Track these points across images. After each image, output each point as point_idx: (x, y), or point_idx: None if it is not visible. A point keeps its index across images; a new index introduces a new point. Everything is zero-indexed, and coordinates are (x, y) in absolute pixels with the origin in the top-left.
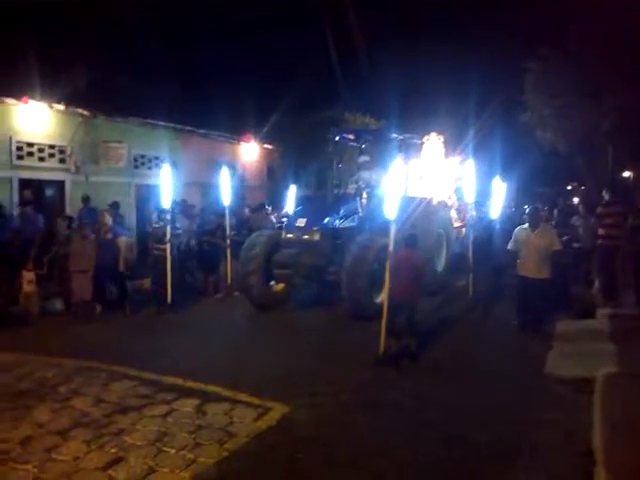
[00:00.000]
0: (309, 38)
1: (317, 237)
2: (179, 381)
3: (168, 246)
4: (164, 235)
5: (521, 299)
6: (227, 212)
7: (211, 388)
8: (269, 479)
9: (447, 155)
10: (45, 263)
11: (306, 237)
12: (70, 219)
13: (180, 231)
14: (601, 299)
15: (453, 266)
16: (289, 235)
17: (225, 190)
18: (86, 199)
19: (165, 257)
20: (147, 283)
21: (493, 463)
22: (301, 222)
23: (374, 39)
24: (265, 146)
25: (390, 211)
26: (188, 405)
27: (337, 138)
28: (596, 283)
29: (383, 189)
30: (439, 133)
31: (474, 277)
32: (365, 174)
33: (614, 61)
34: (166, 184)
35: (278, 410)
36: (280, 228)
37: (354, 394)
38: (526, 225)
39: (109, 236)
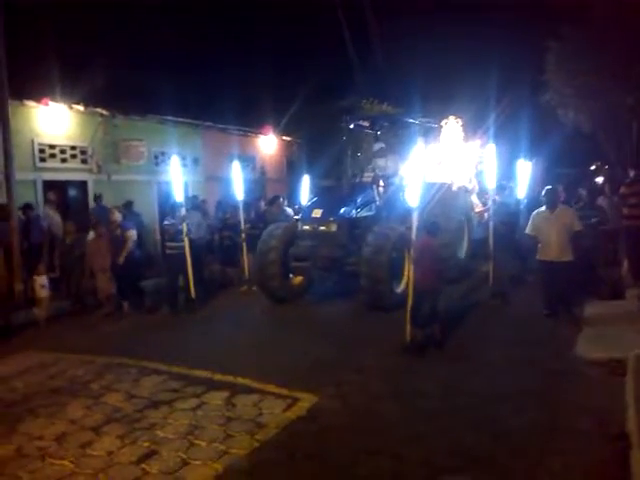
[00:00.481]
0: (325, 27)
1: (334, 228)
2: (208, 374)
3: (186, 242)
4: (176, 233)
5: (547, 286)
6: (241, 206)
7: (240, 380)
8: (300, 469)
9: (467, 139)
10: (57, 266)
11: (323, 228)
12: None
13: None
14: (630, 280)
15: (475, 252)
16: (305, 227)
17: (238, 184)
18: (98, 197)
19: (177, 255)
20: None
21: (525, 448)
22: (317, 213)
23: (390, 25)
24: (284, 138)
25: (412, 198)
26: (217, 398)
27: (352, 126)
28: (625, 264)
29: (400, 176)
30: (457, 117)
31: (496, 264)
32: (381, 161)
33: (637, 37)
34: (177, 179)
35: (307, 400)
36: (297, 220)
37: (382, 382)
38: (543, 207)
39: (118, 232)
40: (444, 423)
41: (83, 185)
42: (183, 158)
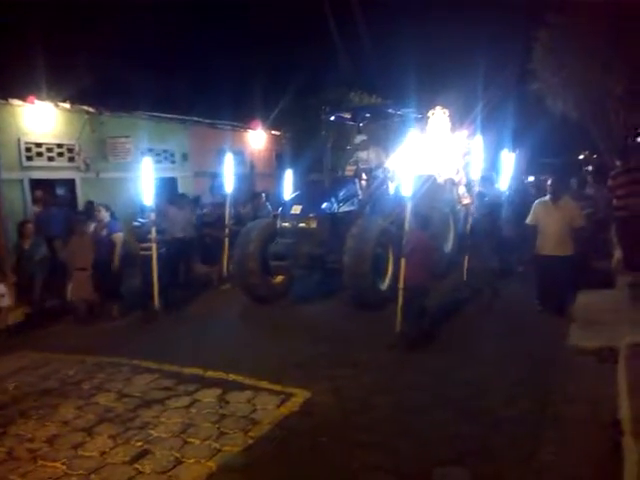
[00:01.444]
0: (313, 19)
1: (314, 224)
2: (199, 372)
3: (154, 246)
4: (147, 233)
5: (542, 281)
6: (228, 201)
7: (232, 377)
8: (295, 464)
9: (454, 130)
10: (9, 272)
11: (302, 225)
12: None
13: (178, 226)
14: (622, 270)
15: (462, 246)
16: (284, 224)
17: (229, 178)
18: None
19: (150, 257)
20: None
21: (519, 438)
22: (296, 209)
23: (376, 15)
24: (273, 132)
25: (403, 190)
26: (210, 395)
27: (332, 118)
28: (616, 254)
29: (384, 169)
30: (444, 107)
31: (477, 258)
32: (363, 154)
33: (624, 24)
34: (147, 177)
35: (300, 396)
36: (275, 217)
37: (374, 377)
38: (547, 197)
39: (104, 233)
40: (438, 415)
41: (71, 183)
42: (171, 154)
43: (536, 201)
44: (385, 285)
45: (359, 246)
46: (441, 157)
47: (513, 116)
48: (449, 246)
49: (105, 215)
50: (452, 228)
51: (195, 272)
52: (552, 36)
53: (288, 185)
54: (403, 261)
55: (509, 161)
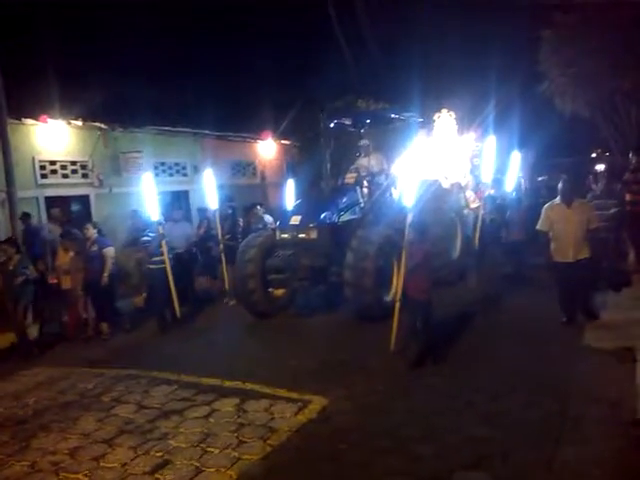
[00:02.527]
0: (321, 28)
1: (314, 235)
2: (217, 382)
3: (166, 257)
4: (156, 247)
5: (563, 290)
6: (217, 215)
7: (249, 386)
8: (314, 471)
9: (461, 133)
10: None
11: (302, 236)
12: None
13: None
14: (637, 267)
15: (470, 252)
16: (284, 235)
17: (211, 193)
18: (26, 216)
19: (161, 271)
20: (141, 301)
21: (538, 441)
22: (295, 220)
23: (383, 20)
24: (283, 142)
25: (405, 197)
26: (228, 404)
27: (332, 124)
28: (631, 254)
29: (386, 175)
30: (450, 110)
31: (484, 263)
32: (364, 161)
33: (633, 21)
34: (149, 191)
35: (317, 403)
36: (274, 228)
37: (389, 382)
38: (557, 200)
39: (94, 249)
40: (455, 419)
41: (85, 199)
42: (183, 167)
43: (546, 205)
44: (390, 296)
45: (359, 260)
46: (448, 161)
47: (521, 116)
48: (456, 252)
49: (92, 232)
50: (459, 233)
51: (196, 287)
52: (559, 35)
53: (290, 195)
54: (405, 276)
55: (515, 161)
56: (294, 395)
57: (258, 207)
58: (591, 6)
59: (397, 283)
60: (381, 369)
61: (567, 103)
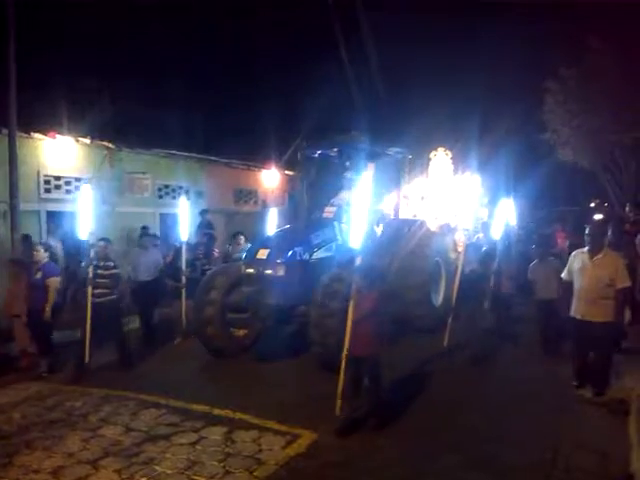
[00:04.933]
0: (329, 63)
1: (281, 272)
2: (206, 409)
3: (89, 290)
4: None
5: (578, 351)
6: (184, 246)
7: (238, 415)
8: None
9: (457, 172)
10: None
11: (268, 272)
12: None
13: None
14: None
15: (464, 293)
16: (249, 270)
17: (184, 222)
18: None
19: (103, 305)
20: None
21: None
22: (262, 254)
23: (389, 60)
24: (286, 172)
25: (354, 239)
26: (216, 433)
27: (316, 155)
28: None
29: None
30: (447, 149)
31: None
32: (347, 195)
33: (633, 77)
34: (85, 211)
35: (307, 437)
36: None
37: (382, 418)
38: (585, 249)
39: (38, 276)
40: (444, 461)
41: None
42: (186, 191)
43: (573, 253)
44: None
45: (328, 296)
46: (439, 201)
47: (519, 162)
48: (439, 299)
49: (43, 256)
50: (443, 278)
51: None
52: (563, 88)
53: (272, 226)
54: (351, 329)
55: (507, 207)
56: (283, 428)
57: (241, 236)
58: (594, 62)
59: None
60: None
61: (568, 154)
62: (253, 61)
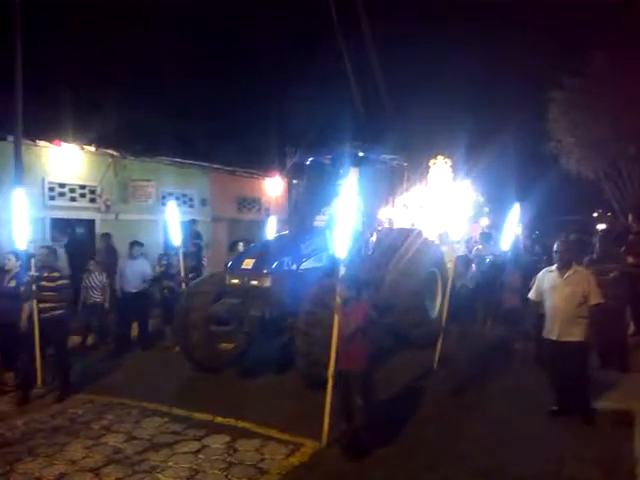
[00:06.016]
0: (334, 72)
1: (267, 282)
2: (209, 417)
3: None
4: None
5: (556, 374)
6: (180, 253)
7: (241, 424)
8: None
9: (456, 180)
10: None
11: (254, 282)
12: None
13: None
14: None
15: (455, 310)
16: (233, 280)
17: (174, 228)
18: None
19: (51, 320)
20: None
21: None
22: (248, 263)
23: (393, 72)
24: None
25: (339, 246)
26: (219, 441)
27: (308, 162)
28: (631, 323)
29: (362, 220)
30: (446, 157)
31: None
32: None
33: (636, 87)
34: (19, 217)
35: (310, 446)
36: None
37: (384, 429)
38: (554, 267)
39: (12, 284)
40: (449, 471)
41: (91, 224)
42: (190, 199)
43: (541, 272)
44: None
45: (317, 306)
46: (438, 209)
47: (523, 171)
48: (435, 311)
49: (15, 265)
50: (439, 290)
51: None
52: (567, 98)
53: (271, 233)
54: (341, 345)
55: (515, 216)
56: (286, 437)
57: (240, 244)
58: (598, 72)
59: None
60: (377, 415)
61: (572, 163)
62: (258, 70)
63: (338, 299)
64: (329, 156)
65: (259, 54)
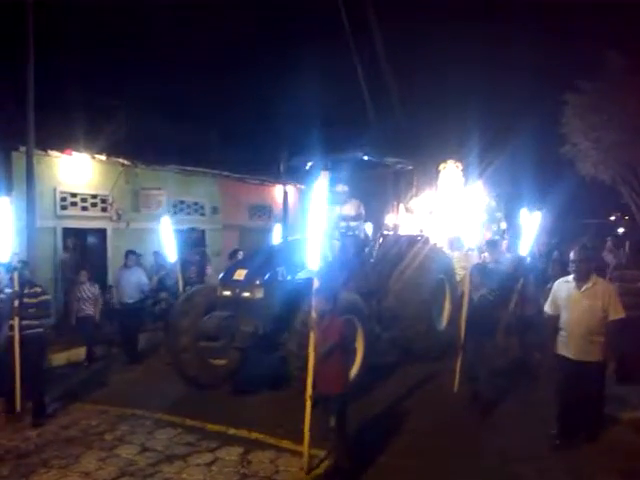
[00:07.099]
0: (345, 79)
1: (260, 294)
2: (222, 428)
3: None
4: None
5: (564, 395)
6: (179, 266)
7: (255, 435)
8: None
9: (467, 184)
10: None
11: (246, 294)
12: None
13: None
14: None
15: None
16: (225, 292)
17: (169, 241)
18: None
19: (26, 338)
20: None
21: None
22: (240, 274)
23: (405, 74)
24: (299, 186)
25: (310, 258)
26: (232, 453)
27: (308, 167)
28: None
29: (365, 227)
30: (458, 161)
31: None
32: (340, 209)
33: None
34: (4, 227)
35: (324, 458)
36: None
37: (399, 441)
38: (570, 277)
39: (2, 296)
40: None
41: (102, 233)
42: (201, 207)
43: (556, 282)
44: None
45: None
46: (448, 215)
47: (538, 175)
48: (443, 322)
49: (3, 277)
50: (448, 299)
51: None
52: (582, 101)
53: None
54: (316, 364)
55: (533, 222)
56: (300, 448)
57: (240, 252)
58: (613, 74)
59: (363, 356)
60: (392, 427)
61: (588, 167)
62: (269, 78)
63: (313, 313)
64: (329, 160)
65: (273, 61)
